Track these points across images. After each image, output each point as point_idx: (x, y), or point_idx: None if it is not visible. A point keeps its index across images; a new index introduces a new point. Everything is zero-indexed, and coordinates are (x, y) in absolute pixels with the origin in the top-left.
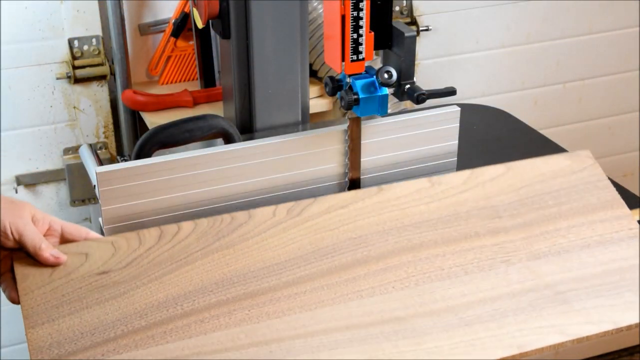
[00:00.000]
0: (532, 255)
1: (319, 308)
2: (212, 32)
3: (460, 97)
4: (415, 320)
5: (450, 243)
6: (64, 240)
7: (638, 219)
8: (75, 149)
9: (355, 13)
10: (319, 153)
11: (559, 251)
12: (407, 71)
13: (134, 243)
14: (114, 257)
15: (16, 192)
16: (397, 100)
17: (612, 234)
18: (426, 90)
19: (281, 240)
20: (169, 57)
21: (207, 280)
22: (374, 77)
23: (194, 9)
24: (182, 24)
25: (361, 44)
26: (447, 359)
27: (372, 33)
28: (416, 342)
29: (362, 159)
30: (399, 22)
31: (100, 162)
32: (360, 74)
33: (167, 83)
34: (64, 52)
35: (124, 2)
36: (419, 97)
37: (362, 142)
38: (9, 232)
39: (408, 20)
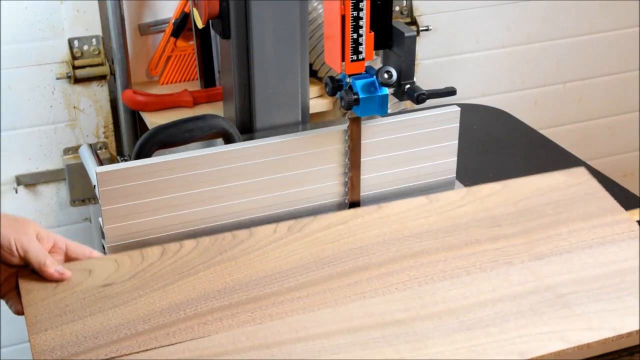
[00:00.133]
0: (533, 257)
1: (321, 309)
2: (212, 32)
3: (460, 97)
4: (417, 323)
5: (451, 249)
6: (68, 258)
7: (638, 219)
8: (75, 149)
9: (355, 13)
10: (319, 153)
11: (560, 252)
12: (407, 71)
13: (136, 259)
14: (117, 272)
15: (16, 192)
16: (397, 100)
17: (612, 236)
18: (426, 90)
19: (282, 253)
20: (169, 57)
21: (210, 289)
22: (374, 77)
23: (194, 9)
24: (182, 24)
25: (361, 44)
26: None
27: (372, 33)
28: (418, 347)
29: (362, 159)
30: (399, 22)
31: (100, 162)
32: (360, 74)
33: (167, 83)
34: (64, 52)
35: (124, 2)
36: (419, 97)
37: (362, 142)
38: (14, 248)
39: (408, 20)
